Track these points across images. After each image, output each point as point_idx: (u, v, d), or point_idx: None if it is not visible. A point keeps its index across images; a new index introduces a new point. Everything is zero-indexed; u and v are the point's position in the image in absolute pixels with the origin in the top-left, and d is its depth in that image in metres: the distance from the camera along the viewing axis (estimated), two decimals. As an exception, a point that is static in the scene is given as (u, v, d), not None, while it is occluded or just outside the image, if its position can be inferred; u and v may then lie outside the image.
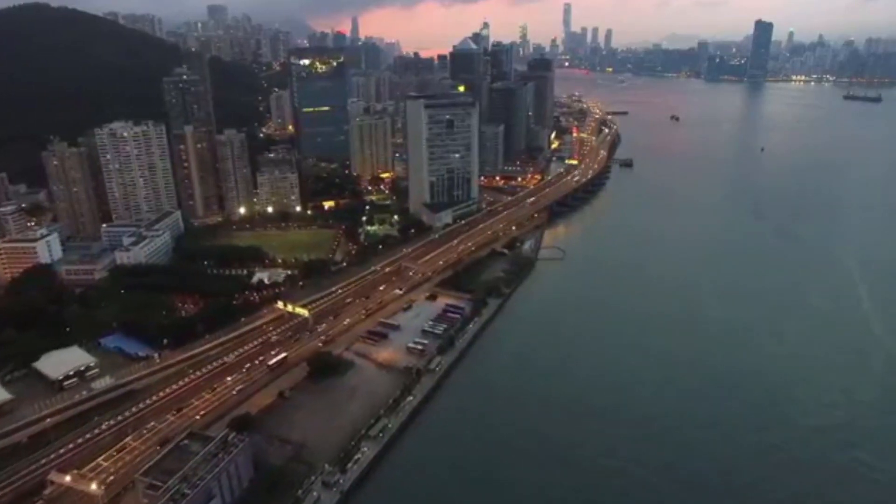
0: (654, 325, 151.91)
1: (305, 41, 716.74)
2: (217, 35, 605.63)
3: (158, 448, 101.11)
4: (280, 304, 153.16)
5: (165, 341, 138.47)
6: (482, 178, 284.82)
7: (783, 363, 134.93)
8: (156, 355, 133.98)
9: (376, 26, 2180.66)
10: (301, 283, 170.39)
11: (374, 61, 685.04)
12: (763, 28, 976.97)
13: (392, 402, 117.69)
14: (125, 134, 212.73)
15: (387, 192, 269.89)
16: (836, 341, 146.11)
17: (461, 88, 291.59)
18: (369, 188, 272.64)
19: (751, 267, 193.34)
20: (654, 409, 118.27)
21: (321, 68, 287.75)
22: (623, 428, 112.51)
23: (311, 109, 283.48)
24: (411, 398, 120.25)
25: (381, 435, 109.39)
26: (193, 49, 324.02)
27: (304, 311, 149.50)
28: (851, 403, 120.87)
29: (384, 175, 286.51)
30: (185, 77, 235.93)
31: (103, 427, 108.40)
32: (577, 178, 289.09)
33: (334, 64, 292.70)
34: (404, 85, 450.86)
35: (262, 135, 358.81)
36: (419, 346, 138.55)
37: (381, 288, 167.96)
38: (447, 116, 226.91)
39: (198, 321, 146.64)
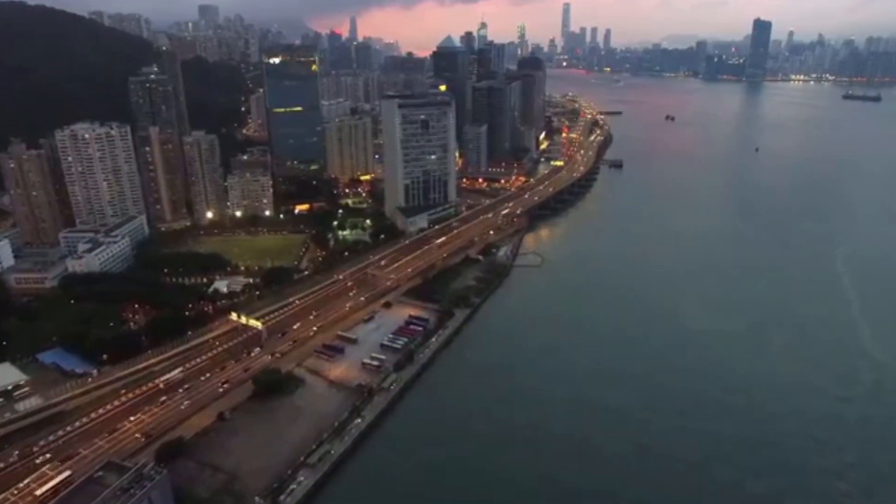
0: (633, 341, 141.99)
1: (299, 41, 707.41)
2: (205, 35, 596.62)
3: (72, 480, 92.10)
4: (234, 316, 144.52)
5: (105, 356, 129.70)
6: (464, 179, 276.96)
7: (771, 379, 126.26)
8: (94, 372, 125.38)
9: (376, 26, 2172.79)
10: (258, 292, 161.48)
11: (365, 61, 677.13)
12: (762, 27, 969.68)
13: (338, 426, 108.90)
14: (87, 135, 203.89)
15: (364, 195, 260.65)
16: (824, 348, 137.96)
17: (442, 88, 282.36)
18: (346, 191, 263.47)
19: (739, 275, 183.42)
20: (628, 438, 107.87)
21: (292, 67, 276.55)
22: (591, 463, 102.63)
23: (282, 110, 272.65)
24: (359, 420, 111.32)
25: (321, 462, 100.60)
26: (164, 48, 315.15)
27: (257, 324, 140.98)
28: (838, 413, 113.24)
29: (364, 177, 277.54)
30: (152, 77, 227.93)
31: (16, 455, 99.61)
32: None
33: (306, 62, 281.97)
34: (391, 85, 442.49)
35: (242, 136, 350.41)
36: (375, 362, 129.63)
37: (327, 308, 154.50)
38: (422, 116, 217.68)
39: (142, 334, 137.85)
